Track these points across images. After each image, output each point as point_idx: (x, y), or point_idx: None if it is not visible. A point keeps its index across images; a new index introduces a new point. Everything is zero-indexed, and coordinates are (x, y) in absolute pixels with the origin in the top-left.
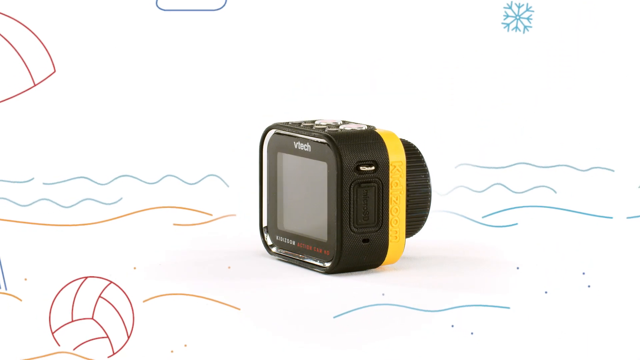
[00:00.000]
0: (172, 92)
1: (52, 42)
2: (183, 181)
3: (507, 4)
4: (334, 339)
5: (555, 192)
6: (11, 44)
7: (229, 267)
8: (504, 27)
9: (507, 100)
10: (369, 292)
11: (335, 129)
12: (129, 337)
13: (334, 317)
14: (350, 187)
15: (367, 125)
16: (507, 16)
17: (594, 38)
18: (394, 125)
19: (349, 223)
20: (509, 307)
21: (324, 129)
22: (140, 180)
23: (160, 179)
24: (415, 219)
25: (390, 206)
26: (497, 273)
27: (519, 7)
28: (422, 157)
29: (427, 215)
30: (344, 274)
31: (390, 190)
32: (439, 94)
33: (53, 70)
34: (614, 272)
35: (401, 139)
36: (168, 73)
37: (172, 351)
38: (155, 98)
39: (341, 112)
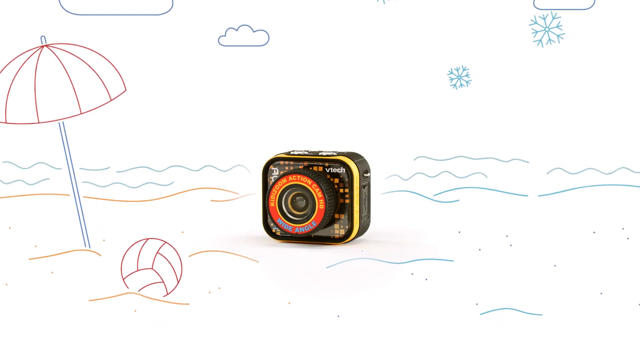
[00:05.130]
0: (214, 107)
1: (124, 67)
2: (218, 169)
3: (449, 71)
4: (327, 280)
5: (486, 176)
6: (94, 71)
7: (251, 231)
8: (452, 87)
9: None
10: (351, 250)
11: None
12: (178, 282)
13: (327, 267)
14: None
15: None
16: (452, 79)
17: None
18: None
19: None
20: (452, 260)
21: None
22: (187, 168)
23: (202, 168)
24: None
25: None
26: (444, 236)
27: (457, 69)
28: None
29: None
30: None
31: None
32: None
33: (124, 89)
34: (529, 235)
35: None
36: (213, 94)
37: (209, 292)
38: (201, 110)
39: (336, 113)
